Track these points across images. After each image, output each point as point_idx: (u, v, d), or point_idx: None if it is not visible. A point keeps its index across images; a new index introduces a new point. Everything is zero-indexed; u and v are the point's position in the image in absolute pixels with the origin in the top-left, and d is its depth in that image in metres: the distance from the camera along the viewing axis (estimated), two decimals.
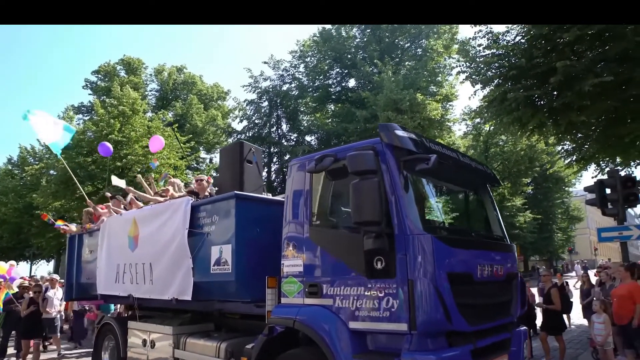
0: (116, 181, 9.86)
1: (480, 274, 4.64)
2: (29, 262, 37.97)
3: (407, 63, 27.11)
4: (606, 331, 8.18)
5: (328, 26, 28.00)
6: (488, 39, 10.71)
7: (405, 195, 4.34)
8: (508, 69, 10.14)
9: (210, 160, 36.10)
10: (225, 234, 5.82)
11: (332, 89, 29.15)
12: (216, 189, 7.28)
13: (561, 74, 8.52)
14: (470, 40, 11.46)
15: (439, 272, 4.07)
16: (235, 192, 5.99)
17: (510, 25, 10.49)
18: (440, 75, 26.08)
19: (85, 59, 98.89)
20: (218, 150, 35.23)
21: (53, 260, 36.51)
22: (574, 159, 12.98)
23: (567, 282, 13.63)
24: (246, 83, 28.29)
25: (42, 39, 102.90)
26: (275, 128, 28.41)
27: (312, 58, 29.06)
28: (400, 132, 4.58)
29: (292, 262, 5.06)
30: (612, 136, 10.31)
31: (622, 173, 12.12)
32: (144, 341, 7.38)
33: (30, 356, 10.50)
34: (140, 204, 8.34)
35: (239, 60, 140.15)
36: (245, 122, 28.74)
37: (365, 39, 28.17)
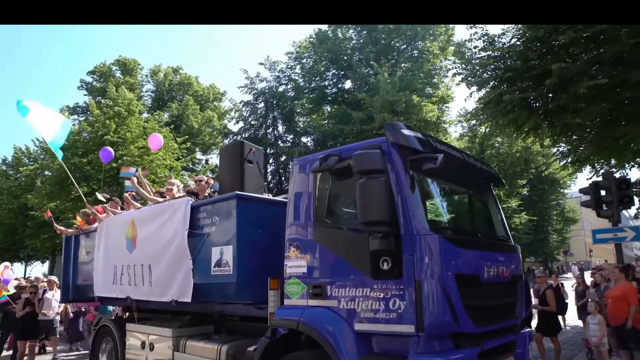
0: (101, 197, 9.75)
1: (487, 275, 4.60)
2: (24, 264, 37.79)
3: (403, 65, 27.14)
4: (601, 332, 8.23)
5: (324, 27, 28.01)
6: (484, 41, 10.76)
7: (412, 195, 4.29)
8: (504, 71, 10.18)
9: (207, 161, 36.06)
10: (226, 235, 5.74)
11: (328, 91, 29.13)
12: (212, 190, 7.24)
13: (556, 76, 8.57)
14: (466, 42, 11.51)
15: (446, 273, 4.02)
16: (237, 192, 5.90)
17: (505, 28, 10.54)
18: (436, 77, 26.11)
19: (81, 59, 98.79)
20: (214, 151, 35.40)
21: (48, 262, 36.33)
22: (569, 160, 13.03)
23: (562, 284, 13.68)
24: (242, 84, 28.22)
25: (37, 39, 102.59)
26: (271, 129, 28.39)
27: (308, 59, 29.04)
28: (406, 131, 4.53)
29: (296, 263, 4.99)
30: (607, 138, 10.36)
31: (617, 175, 12.22)
32: (143, 343, 7.29)
33: (25, 358, 10.45)
34: (138, 204, 8.27)
35: (235, 62, 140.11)
36: (241, 123, 28.72)
37: (361, 41, 28.18)
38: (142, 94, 35.90)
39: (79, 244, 9.49)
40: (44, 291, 11.16)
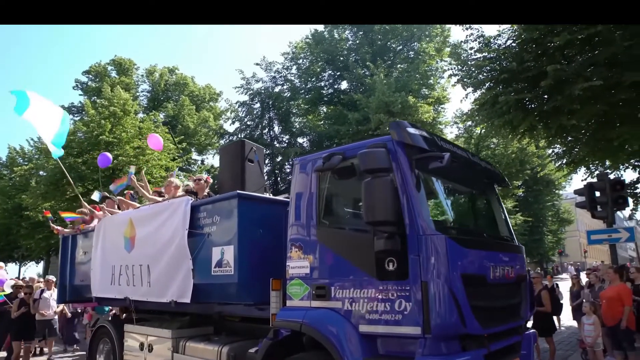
0: (95, 196, 9.64)
1: (492, 276, 4.54)
2: (18, 264, 37.61)
3: (399, 66, 27.19)
4: (595, 332, 8.26)
5: (320, 28, 28.04)
6: (479, 43, 10.79)
7: (418, 194, 4.22)
8: (499, 73, 10.20)
9: (202, 161, 36.02)
10: (227, 235, 5.67)
11: (324, 91, 29.14)
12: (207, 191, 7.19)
13: (552, 78, 8.60)
14: (462, 43, 11.54)
15: (453, 273, 3.96)
16: (238, 191, 5.82)
17: (501, 29, 10.58)
18: (432, 78, 26.19)
19: (76, 59, 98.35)
20: (210, 151, 35.38)
21: (42, 262, 36.16)
22: (564, 162, 13.07)
23: (557, 284, 13.73)
24: (238, 84, 28.18)
25: (32, 39, 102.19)
26: (267, 130, 28.35)
27: (305, 60, 29.05)
28: (412, 130, 4.47)
29: (298, 264, 4.91)
30: (602, 140, 10.41)
31: (612, 176, 12.29)
32: (141, 345, 7.20)
33: (20, 359, 10.36)
34: (137, 204, 8.18)
35: (231, 62, 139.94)
36: (237, 124, 28.67)
37: (357, 42, 28.22)
38: (137, 94, 35.86)
39: (76, 243, 9.38)
40: (42, 291, 11.10)
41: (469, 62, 11.12)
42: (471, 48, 11.00)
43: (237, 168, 6.92)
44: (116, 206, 8.80)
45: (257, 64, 28.78)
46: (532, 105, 10.38)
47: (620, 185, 11.30)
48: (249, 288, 5.41)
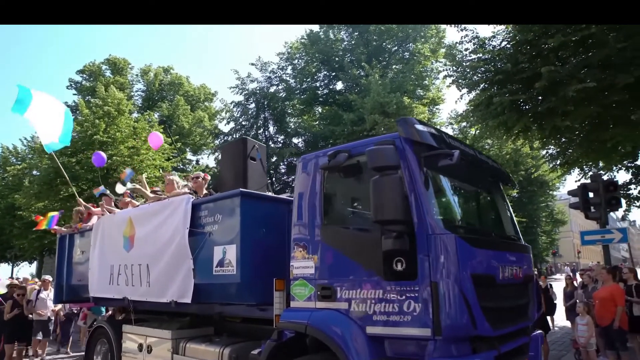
0: (120, 189, 9.49)
1: (501, 276, 4.45)
2: (11, 264, 37.39)
3: (394, 66, 27.25)
4: (589, 332, 8.30)
5: (316, 28, 28.06)
6: (474, 44, 10.82)
7: (426, 192, 4.13)
8: (494, 74, 10.24)
9: (197, 161, 35.93)
10: (229, 234, 5.55)
11: (319, 92, 29.16)
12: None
13: (546, 79, 8.64)
14: (457, 44, 11.56)
15: (463, 273, 3.87)
16: (241, 189, 5.69)
17: (496, 31, 10.62)
18: (427, 79, 26.26)
19: (70, 58, 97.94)
20: (205, 151, 35.31)
21: (36, 262, 35.99)
22: (558, 163, 13.14)
23: (551, 285, 13.79)
24: (233, 84, 28.19)
25: (26, 38, 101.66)
26: (262, 130, 28.36)
27: (300, 60, 29.07)
28: (420, 127, 4.37)
29: (303, 264, 4.78)
30: (595, 141, 10.46)
31: (605, 177, 12.36)
32: (140, 346, 7.07)
33: None
34: (136, 202, 8.08)
35: (226, 62, 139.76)
36: (232, 124, 28.66)
37: (352, 42, 28.25)
38: (132, 93, 35.76)
39: (73, 243, 9.22)
40: (39, 291, 10.98)
41: (464, 63, 11.15)
42: (466, 49, 11.04)
43: (239, 166, 6.81)
44: (112, 203, 8.66)
45: (253, 64, 28.84)
46: (527, 107, 10.42)
47: (614, 187, 11.38)
48: (252, 288, 5.31)
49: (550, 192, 42.36)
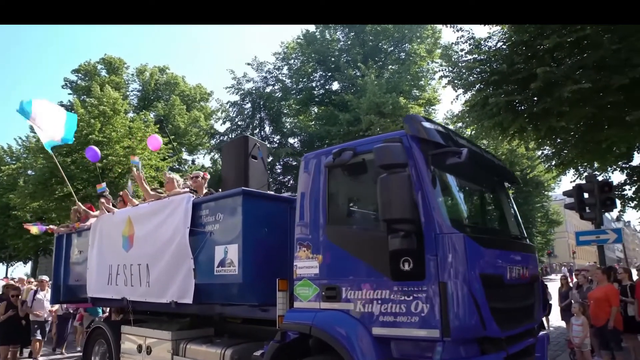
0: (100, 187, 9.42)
1: (509, 276, 4.40)
2: (5, 264, 37.24)
3: (390, 67, 27.29)
4: (583, 333, 8.33)
5: (312, 28, 28.06)
6: (470, 45, 10.84)
7: (434, 191, 4.07)
8: (489, 74, 10.26)
9: (193, 161, 35.86)
10: (231, 233, 5.47)
11: (315, 92, 29.18)
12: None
13: (541, 80, 8.66)
14: (453, 45, 11.58)
15: (472, 273, 3.81)
16: (243, 188, 5.63)
17: (491, 31, 10.64)
18: (423, 79, 26.32)
19: (65, 57, 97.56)
20: (200, 151, 35.23)
21: (30, 262, 35.85)
22: (553, 163, 13.18)
23: (546, 285, 13.82)
24: (229, 84, 28.15)
25: (21, 37, 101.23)
26: (258, 130, 28.33)
27: (296, 60, 29.07)
28: (427, 124, 4.32)
29: (307, 264, 4.69)
30: (590, 142, 10.49)
31: (600, 178, 12.40)
32: (139, 347, 6.97)
33: None
34: (136, 201, 8.00)
35: (222, 62, 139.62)
36: (228, 124, 28.64)
37: (349, 42, 28.28)
38: (127, 93, 35.63)
39: (70, 242, 9.12)
40: (35, 292, 10.87)
41: (460, 64, 11.17)
42: (462, 50, 11.05)
43: (240, 164, 6.73)
44: (111, 203, 8.56)
45: (249, 64, 28.83)
46: (522, 107, 10.44)
47: (608, 187, 11.42)
48: (254, 288, 5.25)
49: (546, 193, 42.50)
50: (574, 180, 13.70)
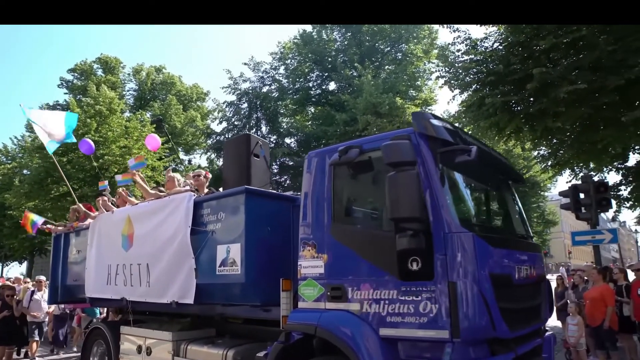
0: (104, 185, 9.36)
1: (517, 276, 4.35)
2: (0, 264, 37.09)
3: (387, 67, 27.32)
4: (579, 332, 8.35)
5: (309, 28, 28.07)
6: (466, 45, 10.86)
7: (443, 189, 4.01)
8: (486, 75, 10.28)
9: (189, 161, 35.79)
10: (233, 232, 5.40)
11: (312, 92, 29.17)
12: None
13: (537, 81, 8.68)
14: (449, 45, 11.61)
15: (481, 273, 3.75)
16: (246, 186, 5.55)
17: (488, 32, 10.66)
18: (419, 79, 26.35)
19: (61, 56, 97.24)
20: (197, 151, 35.16)
21: (26, 262, 35.71)
22: (549, 164, 13.20)
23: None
24: (226, 84, 28.11)
25: (17, 36, 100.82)
26: (254, 130, 28.30)
27: (293, 60, 29.06)
28: (435, 121, 4.26)
29: (312, 263, 4.62)
30: (586, 142, 10.52)
31: (596, 178, 12.45)
32: (139, 347, 6.90)
33: None
34: (135, 200, 7.92)
35: (218, 62, 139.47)
36: (224, 124, 28.62)
37: (345, 43, 28.28)
38: (124, 92, 35.55)
39: (68, 242, 9.03)
40: (32, 292, 10.79)
41: (456, 64, 11.19)
42: (458, 50, 11.08)
43: (242, 163, 6.64)
44: (109, 202, 8.46)
45: (245, 64, 28.81)
46: (518, 108, 10.47)
47: (604, 187, 11.46)
48: (257, 288, 5.18)
49: (542, 193, 42.60)
50: (570, 181, 13.74)
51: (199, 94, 38.72)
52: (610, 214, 15.69)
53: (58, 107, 34.78)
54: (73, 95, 30.80)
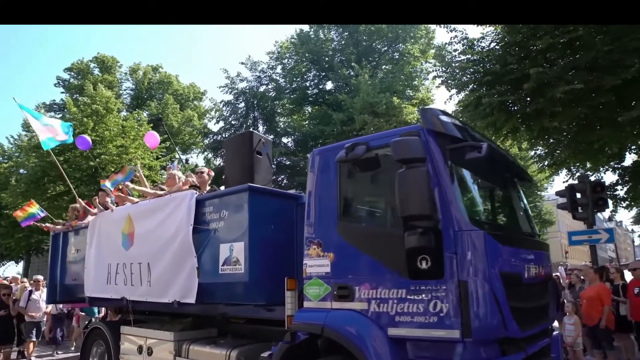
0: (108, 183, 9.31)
1: (527, 274, 4.30)
2: None
3: (384, 67, 27.30)
4: (576, 332, 8.37)
5: (306, 28, 28.03)
6: (463, 45, 10.87)
7: (453, 187, 3.94)
8: (483, 75, 10.29)
9: (186, 160, 35.72)
10: (236, 231, 5.34)
11: (309, 91, 29.13)
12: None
13: (534, 81, 8.69)
14: (446, 45, 11.62)
15: (492, 272, 3.70)
16: (249, 184, 5.50)
17: (485, 32, 10.68)
18: (416, 79, 26.34)
19: (58, 55, 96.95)
20: (194, 151, 35.11)
21: (22, 262, 35.57)
22: (546, 163, 13.22)
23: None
24: (223, 84, 28.04)
25: (13, 34, 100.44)
26: (251, 129, 28.26)
27: (290, 60, 29.01)
28: (444, 118, 4.20)
29: (317, 262, 4.54)
30: (583, 142, 10.54)
31: (592, 178, 12.47)
32: (140, 348, 6.82)
33: None
34: (135, 199, 7.84)
35: (216, 61, 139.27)
36: (221, 123, 28.53)
37: (342, 42, 28.25)
38: (120, 92, 35.45)
39: (67, 241, 8.94)
40: (30, 292, 10.72)
41: (453, 64, 11.20)
42: (455, 50, 11.09)
43: (245, 161, 6.58)
44: (108, 199, 8.37)
45: (242, 63, 28.72)
46: (515, 107, 10.48)
47: (601, 187, 11.48)
48: (260, 287, 5.11)
49: (539, 193, 42.67)
50: (567, 181, 13.77)
51: (196, 94, 38.65)
52: (606, 213, 15.71)
53: (55, 106, 34.74)
54: (70, 95, 30.70)
